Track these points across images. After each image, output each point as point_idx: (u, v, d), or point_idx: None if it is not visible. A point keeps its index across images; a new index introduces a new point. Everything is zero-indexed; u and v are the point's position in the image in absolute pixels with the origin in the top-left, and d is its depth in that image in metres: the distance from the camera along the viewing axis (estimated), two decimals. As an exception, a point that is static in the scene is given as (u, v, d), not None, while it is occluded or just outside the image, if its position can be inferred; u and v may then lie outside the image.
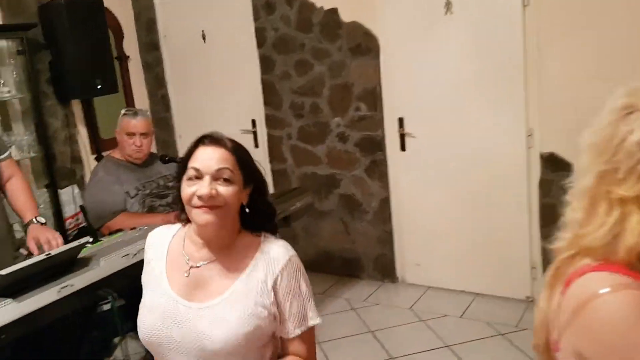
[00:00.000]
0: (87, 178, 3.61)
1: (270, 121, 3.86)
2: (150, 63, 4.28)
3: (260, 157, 3.93)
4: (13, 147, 3.19)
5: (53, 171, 3.37)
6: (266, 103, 3.85)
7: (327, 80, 3.58)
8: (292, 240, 4.06)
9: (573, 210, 0.89)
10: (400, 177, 3.53)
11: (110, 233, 2.41)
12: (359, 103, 3.51)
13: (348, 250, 3.78)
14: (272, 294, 1.28)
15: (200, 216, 1.26)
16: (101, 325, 2.03)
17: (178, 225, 1.41)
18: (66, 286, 1.73)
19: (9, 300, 1.61)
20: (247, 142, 3.97)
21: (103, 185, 2.77)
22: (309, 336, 1.34)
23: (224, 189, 1.27)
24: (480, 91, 3.16)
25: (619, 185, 0.82)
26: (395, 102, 3.43)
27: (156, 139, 4.06)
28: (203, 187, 1.25)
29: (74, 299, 1.75)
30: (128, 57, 4.17)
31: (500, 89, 3.11)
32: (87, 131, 3.81)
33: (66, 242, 2.21)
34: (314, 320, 1.33)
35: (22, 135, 3.30)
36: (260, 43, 3.76)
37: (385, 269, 3.70)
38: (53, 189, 3.36)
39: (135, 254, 1.97)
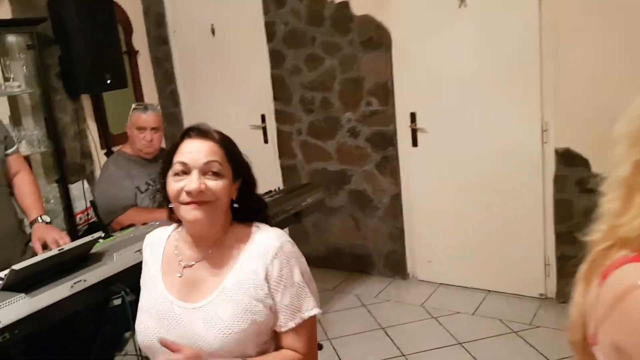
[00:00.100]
0: (96, 173, 3.61)
1: (280, 116, 3.84)
2: (160, 58, 4.26)
3: (270, 152, 3.92)
4: (23, 141, 3.18)
5: (63, 166, 3.36)
6: (276, 98, 3.82)
7: (338, 75, 3.54)
8: (303, 236, 4.07)
9: (608, 201, 0.86)
10: (411, 172, 3.50)
11: (122, 228, 2.40)
12: (370, 98, 3.48)
13: (358, 246, 3.76)
14: (266, 285, 1.22)
15: (189, 213, 1.21)
16: (112, 320, 2.02)
17: (174, 225, 1.37)
18: (79, 281, 1.72)
19: (22, 295, 1.59)
20: (256, 137, 3.97)
21: (113, 180, 2.77)
22: (305, 329, 1.25)
23: (213, 183, 1.21)
24: (494, 85, 3.12)
25: None
26: (407, 96, 3.39)
27: (165, 135, 4.04)
28: (191, 182, 1.19)
29: (87, 294, 1.73)
30: (137, 51, 4.15)
31: (515, 83, 3.06)
32: (96, 126, 3.80)
33: (76, 237, 2.20)
34: (309, 311, 1.24)
35: (32, 130, 3.29)
36: (270, 37, 3.73)
37: (396, 266, 3.67)
38: (63, 184, 3.35)
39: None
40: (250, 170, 1.32)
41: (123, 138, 3.02)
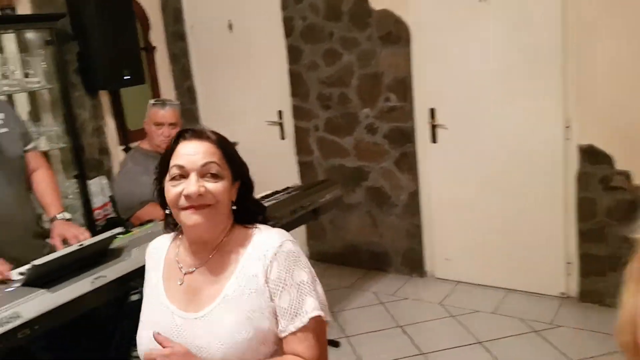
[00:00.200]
0: (114, 169, 3.62)
1: (297, 112, 3.81)
2: (177, 54, 4.26)
3: (287, 149, 3.90)
4: (42, 137, 3.20)
5: (82, 162, 3.38)
6: (293, 94, 3.79)
7: (356, 70, 3.51)
8: (320, 233, 4.05)
9: None
10: (430, 169, 3.46)
11: (141, 224, 2.39)
12: (388, 93, 3.44)
13: (376, 243, 3.73)
14: (267, 289, 1.16)
15: (189, 217, 1.16)
16: (131, 315, 2.02)
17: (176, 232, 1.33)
18: (99, 277, 1.72)
19: (43, 290, 1.59)
20: (273, 133, 3.95)
21: (131, 176, 2.77)
22: (308, 333, 1.16)
23: (212, 186, 1.17)
24: (515, 81, 3.07)
25: None
26: (426, 92, 3.35)
27: (182, 131, 4.05)
28: (190, 186, 1.15)
29: (107, 290, 1.73)
30: (155, 47, 4.15)
31: (536, 79, 3.00)
32: (114, 122, 3.81)
33: (94, 233, 2.20)
34: (309, 314, 1.16)
35: (51, 126, 3.31)
36: (288, 32, 3.70)
37: (413, 263, 3.63)
38: (82, 179, 3.36)
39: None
40: (249, 171, 1.28)
41: (141, 134, 3.02)
